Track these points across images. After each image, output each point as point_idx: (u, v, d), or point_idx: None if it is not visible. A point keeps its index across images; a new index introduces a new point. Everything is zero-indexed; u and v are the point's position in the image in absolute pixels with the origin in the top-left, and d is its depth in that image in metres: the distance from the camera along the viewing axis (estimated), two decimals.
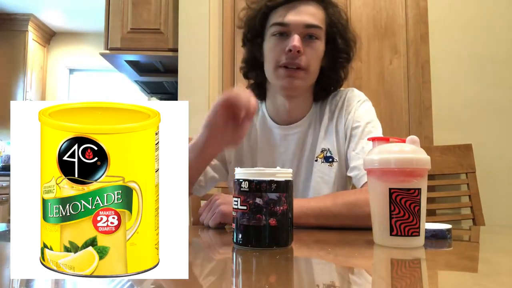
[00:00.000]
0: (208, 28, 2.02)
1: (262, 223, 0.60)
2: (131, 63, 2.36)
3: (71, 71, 5.23)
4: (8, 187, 2.31)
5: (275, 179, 0.60)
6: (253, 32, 1.00)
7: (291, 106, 1.03)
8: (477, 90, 2.02)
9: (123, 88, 4.78)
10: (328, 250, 0.67)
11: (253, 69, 1.07)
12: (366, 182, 0.93)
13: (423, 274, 0.51)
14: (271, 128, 1.07)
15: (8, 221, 2.04)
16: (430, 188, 1.80)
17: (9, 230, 0.87)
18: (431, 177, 1.80)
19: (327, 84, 1.04)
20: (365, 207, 0.71)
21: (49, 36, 5.11)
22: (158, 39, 2.15)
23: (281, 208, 0.60)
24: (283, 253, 0.60)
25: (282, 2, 0.94)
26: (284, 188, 0.61)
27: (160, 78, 2.58)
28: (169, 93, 2.95)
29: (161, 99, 3.12)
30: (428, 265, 0.55)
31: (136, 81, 2.75)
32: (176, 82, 2.10)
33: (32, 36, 4.74)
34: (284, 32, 0.95)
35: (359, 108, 1.03)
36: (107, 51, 2.17)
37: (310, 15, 0.95)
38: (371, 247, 0.65)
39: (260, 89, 1.08)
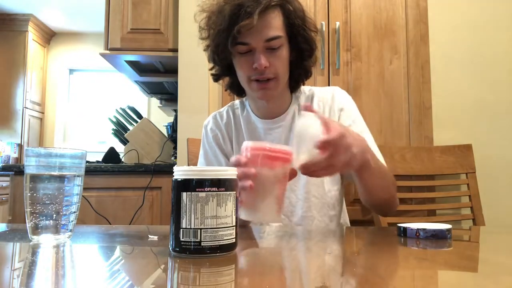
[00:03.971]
0: None
1: None
2: (131, 63, 2.35)
3: (71, 71, 5.23)
4: (8, 187, 2.31)
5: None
6: (219, 49, 1.01)
7: (270, 105, 1.08)
8: (477, 90, 2.02)
9: (123, 88, 4.78)
10: (328, 250, 0.67)
11: (227, 75, 1.10)
12: None
13: (424, 274, 0.51)
14: (255, 123, 1.12)
15: (8, 221, 2.04)
16: (430, 188, 1.81)
17: (9, 230, 0.87)
18: (431, 177, 1.82)
19: (299, 76, 1.09)
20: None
21: (49, 36, 5.11)
22: (158, 39, 2.15)
23: None
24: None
25: (240, 20, 0.92)
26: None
27: (160, 78, 2.58)
28: (169, 93, 2.95)
29: (161, 99, 3.12)
30: (428, 265, 0.55)
31: (136, 81, 2.75)
32: (176, 82, 2.10)
33: (32, 36, 4.74)
34: (248, 50, 0.97)
35: (350, 106, 1.11)
36: (107, 51, 2.17)
37: (269, 27, 0.95)
38: (372, 246, 0.65)
39: (239, 88, 1.11)
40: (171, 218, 0.57)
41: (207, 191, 0.55)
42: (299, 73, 1.08)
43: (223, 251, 0.56)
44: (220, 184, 0.56)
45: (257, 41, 0.95)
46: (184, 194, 0.56)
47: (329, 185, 1.08)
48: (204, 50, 1.08)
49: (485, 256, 0.64)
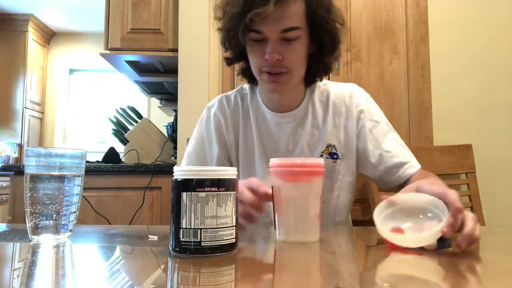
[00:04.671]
0: (208, 28, 2.02)
1: None
2: (131, 63, 2.35)
3: (71, 71, 5.23)
4: (8, 187, 2.31)
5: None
6: (230, 34, 0.95)
7: (283, 98, 1.03)
8: (477, 90, 2.03)
9: (123, 88, 4.78)
10: (328, 250, 0.67)
11: (240, 60, 1.04)
12: (414, 173, 0.97)
13: (423, 274, 0.51)
14: (265, 114, 1.06)
15: (8, 221, 2.04)
16: None
17: (9, 230, 0.87)
18: None
19: (316, 71, 1.02)
20: None
21: (49, 36, 5.11)
22: (158, 39, 2.15)
23: None
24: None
25: (255, 6, 0.85)
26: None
27: (160, 78, 2.58)
28: (169, 93, 2.95)
29: (161, 99, 3.12)
30: (428, 265, 0.55)
31: (136, 81, 2.75)
32: (176, 82, 2.10)
33: (32, 36, 4.74)
34: (262, 38, 0.90)
35: (370, 106, 1.05)
36: (107, 51, 2.17)
37: (286, 16, 0.87)
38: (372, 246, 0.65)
39: (251, 75, 1.04)
40: (171, 218, 0.57)
41: (207, 191, 0.55)
42: (318, 68, 1.00)
43: (223, 251, 0.56)
44: (220, 184, 0.56)
45: (271, 31, 0.88)
46: (184, 194, 0.56)
47: (339, 191, 1.03)
48: (218, 30, 1.00)
49: (485, 256, 0.64)
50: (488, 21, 2.06)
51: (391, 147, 1.00)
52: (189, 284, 0.46)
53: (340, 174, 1.03)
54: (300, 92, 1.05)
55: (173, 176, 0.58)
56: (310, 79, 1.03)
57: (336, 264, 0.57)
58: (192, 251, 0.55)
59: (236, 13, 0.88)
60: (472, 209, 1.74)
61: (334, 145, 1.03)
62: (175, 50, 2.09)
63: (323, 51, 0.98)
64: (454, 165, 1.81)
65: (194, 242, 0.55)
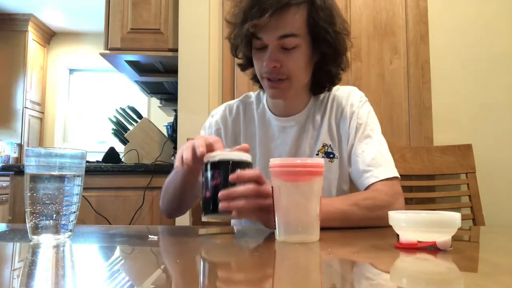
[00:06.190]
0: (208, 28, 2.02)
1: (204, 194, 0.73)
2: (131, 63, 2.35)
3: (71, 71, 5.23)
4: (8, 187, 2.31)
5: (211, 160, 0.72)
6: (238, 42, 0.99)
7: (287, 103, 1.05)
8: (477, 90, 2.03)
9: (123, 88, 4.79)
10: (328, 250, 0.67)
11: (250, 66, 1.07)
12: (373, 183, 0.95)
13: (424, 274, 0.51)
14: (270, 120, 1.09)
15: (8, 221, 2.04)
16: (430, 188, 1.81)
17: (9, 230, 0.87)
18: (431, 177, 1.82)
19: (322, 80, 1.04)
20: (385, 209, 0.76)
21: (49, 36, 5.11)
22: (158, 39, 2.15)
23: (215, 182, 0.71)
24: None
25: (258, 14, 0.88)
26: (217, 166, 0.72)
27: (160, 78, 2.58)
28: (169, 93, 2.95)
29: (161, 99, 3.12)
30: (428, 265, 0.55)
31: (136, 81, 2.75)
32: (176, 82, 2.10)
33: (32, 36, 4.74)
34: (263, 46, 0.94)
35: (361, 108, 1.05)
36: (107, 51, 2.17)
37: (283, 25, 0.90)
38: (374, 247, 0.64)
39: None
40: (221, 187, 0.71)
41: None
42: (322, 77, 1.03)
43: None
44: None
45: (269, 38, 0.91)
46: (238, 169, 0.71)
47: (335, 190, 1.04)
48: (227, 39, 1.05)
49: (485, 256, 0.64)
50: (488, 21, 2.06)
51: (362, 152, 1.00)
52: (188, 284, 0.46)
53: (337, 173, 1.04)
54: (305, 99, 1.07)
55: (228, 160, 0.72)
56: (316, 87, 1.05)
57: (336, 264, 0.57)
58: None
59: (238, 23, 0.94)
60: (472, 209, 1.74)
61: (330, 145, 1.05)
62: (175, 50, 2.09)
63: (325, 61, 1.00)
64: (454, 165, 1.81)
65: None
